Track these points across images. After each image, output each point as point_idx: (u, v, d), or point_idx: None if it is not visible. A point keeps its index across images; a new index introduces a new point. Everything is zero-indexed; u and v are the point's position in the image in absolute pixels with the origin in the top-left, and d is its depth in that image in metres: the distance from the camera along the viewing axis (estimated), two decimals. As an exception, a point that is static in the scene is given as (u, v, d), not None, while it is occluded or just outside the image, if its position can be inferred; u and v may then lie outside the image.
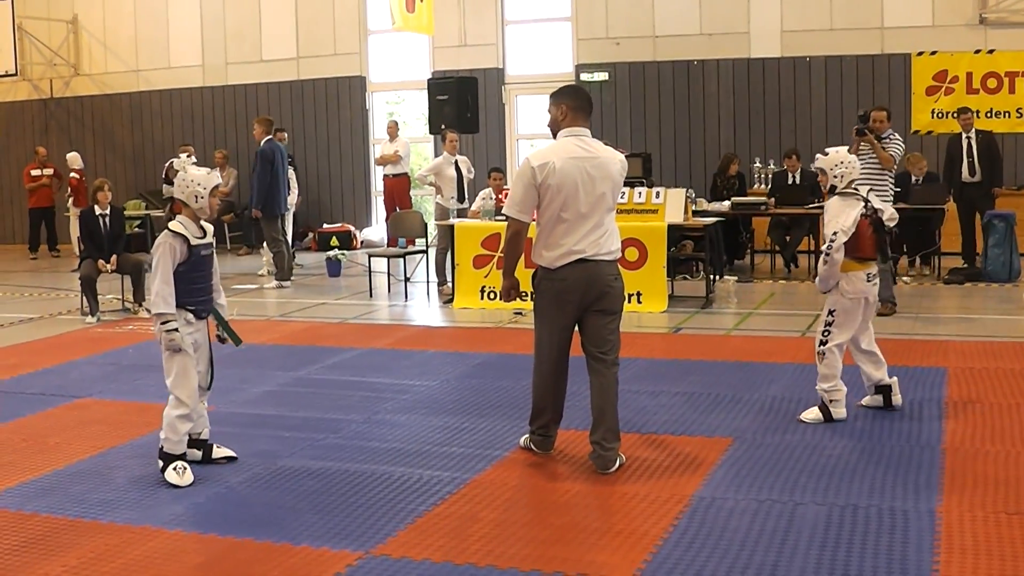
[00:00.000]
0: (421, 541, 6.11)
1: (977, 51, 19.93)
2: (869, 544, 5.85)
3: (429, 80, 20.43)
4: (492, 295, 14.56)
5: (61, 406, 9.68)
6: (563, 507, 6.63)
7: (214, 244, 7.82)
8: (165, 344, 7.36)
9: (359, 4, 23.91)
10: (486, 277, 14.57)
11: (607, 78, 21.92)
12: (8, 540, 6.39)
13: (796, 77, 20.87)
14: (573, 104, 7.38)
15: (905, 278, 16.25)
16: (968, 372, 10.03)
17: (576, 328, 7.46)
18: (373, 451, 8.00)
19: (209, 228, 7.75)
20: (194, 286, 7.52)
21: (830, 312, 8.45)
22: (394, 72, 24.16)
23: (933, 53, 20.09)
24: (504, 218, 14.36)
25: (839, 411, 8.40)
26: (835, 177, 8.54)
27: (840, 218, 8.39)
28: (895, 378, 8.75)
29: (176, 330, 7.32)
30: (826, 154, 8.69)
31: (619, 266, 7.46)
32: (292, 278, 17.95)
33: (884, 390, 8.72)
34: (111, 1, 26.31)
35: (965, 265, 16.66)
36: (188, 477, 7.33)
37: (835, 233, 8.35)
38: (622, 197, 14.09)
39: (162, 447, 7.44)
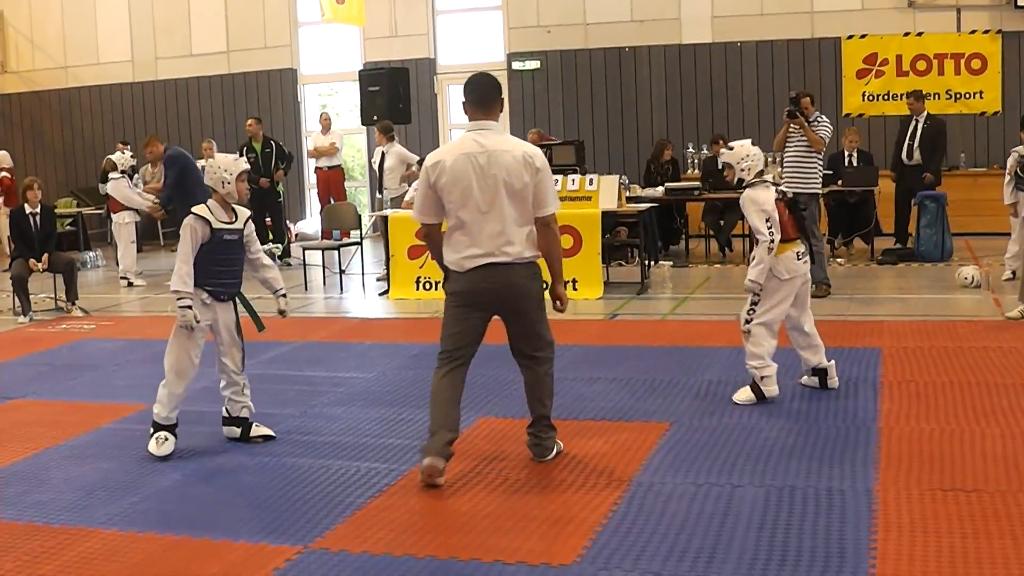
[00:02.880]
0: (360, 534, 6.09)
1: (906, 34, 20.09)
2: (807, 525, 5.88)
3: (361, 71, 20.35)
4: (428, 285, 14.51)
5: (-8, 408, 9.59)
6: (502, 496, 6.62)
7: (245, 229, 8.07)
8: (179, 321, 7.69)
9: (288, -4, 23.83)
10: (421, 268, 14.51)
11: (539, 66, 21.95)
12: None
13: (727, 62, 20.97)
14: (470, 98, 7.07)
15: (839, 259, 16.36)
16: (902, 351, 10.11)
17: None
18: (310, 445, 7.97)
19: (243, 213, 8.07)
20: (214, 267, 7.84)
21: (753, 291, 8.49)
22: (325, 64, 24.05)
23: (863, 37, 20.24)
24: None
25: (771, 388, 8.44)
26: (742, 171, 8.59)
27: (767, 207, 8.42)
28: (832, 362, 8.82)
29: (189, 307, 7.65)
30: (731, 148, 8.73)
31: (538, 264, 7.06)
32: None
33: (820, 373, 8.79)
34: (38, -3, 26.09)
35: (898, 245, 16.81)
36: (166, 448, 7.73)
37: (768, 220, 8.38)
38: (555, 184, 14.08)
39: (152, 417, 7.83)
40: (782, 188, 8.78)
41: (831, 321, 11.50)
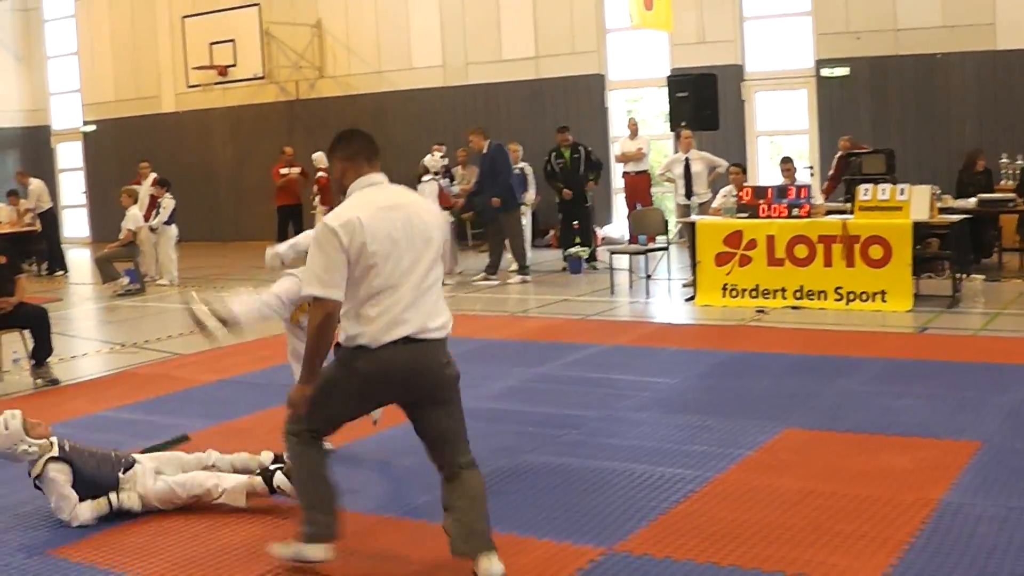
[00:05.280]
0: (663, 539, 6.15)
1: None
2: None
3: (669, 77, 20.38)
4: (734, 293, 14.46)
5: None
6: (806, 509, 6.58)
7: None
8: None
9: (597, 2, 23.97)
10: (728, 275, 14.47)
11: (848, 73, 21.57)
12: (251, 528, 6.74)
13: (1047, 69, 20.23)
14: (347, 153, 6.08)
15: None
16: None
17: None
18: (614, 448, 8.05)
19: None
20: None
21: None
22: (632, 70, 24.16)
23: None
24: (745, 215, 14.32)
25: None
26: None
27: None
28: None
29: None
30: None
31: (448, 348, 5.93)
32: (530, 275, 18.16)
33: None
34: (353, 5, 26.97)
35: None
36: None
37: None
38: (866, 194, 13.89)
39: None
40: None
41: None
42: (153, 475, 7.07)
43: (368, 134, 6.22)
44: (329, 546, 5.95)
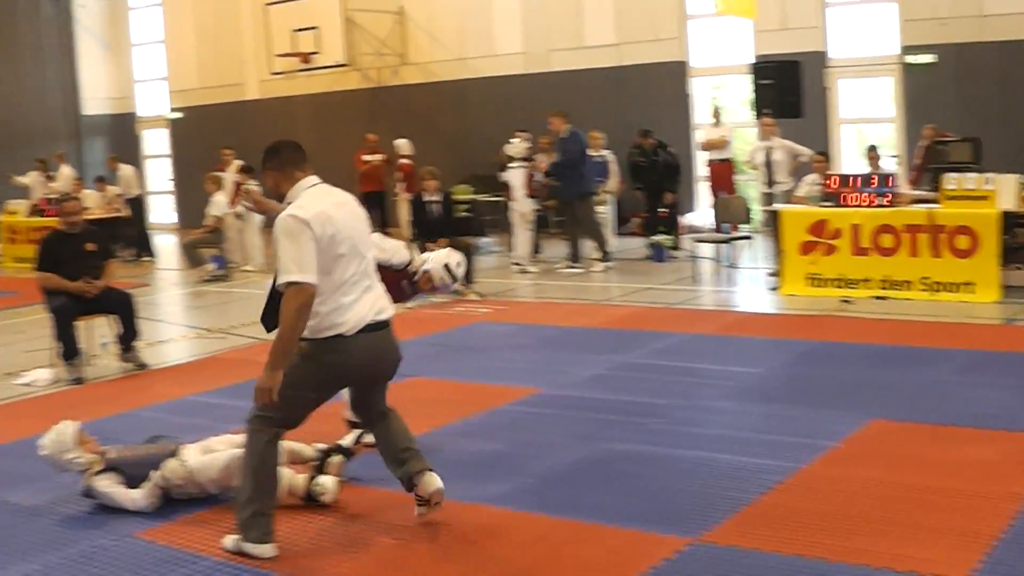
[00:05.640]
0: (749, 530, 6.14)
1: None
2: None
3: (754, 64, 20.24)
4: (819, 282, 14.36)
5: (393, 384, 9.99)
6: (892, 502, 6.52)
7: None
8: None
9: (679, -11, 23.89)
10: (813, 264, 14.37)
11: (934, 60, 21.30)
12: (341, 512, 6.83)
13: None
14: (275, 164, 6.31)
15: None
16: None
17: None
18: (697, 437, 8.05)
19: None
20: None
21: None
22: (714, 57, 24.01)
23: None
24: (830, 204, 14.21)
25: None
26: None
27: None
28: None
29: None
30: None
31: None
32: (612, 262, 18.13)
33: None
34: (436, -9, 27.05)
35: None
36: None
37: None
38: (952, 183, 13.74)
39: None
40: None
41: None
42: (198, 454, 7.16)
43: (294, 142, 6.46)
44: (274, 544, 6.13)
